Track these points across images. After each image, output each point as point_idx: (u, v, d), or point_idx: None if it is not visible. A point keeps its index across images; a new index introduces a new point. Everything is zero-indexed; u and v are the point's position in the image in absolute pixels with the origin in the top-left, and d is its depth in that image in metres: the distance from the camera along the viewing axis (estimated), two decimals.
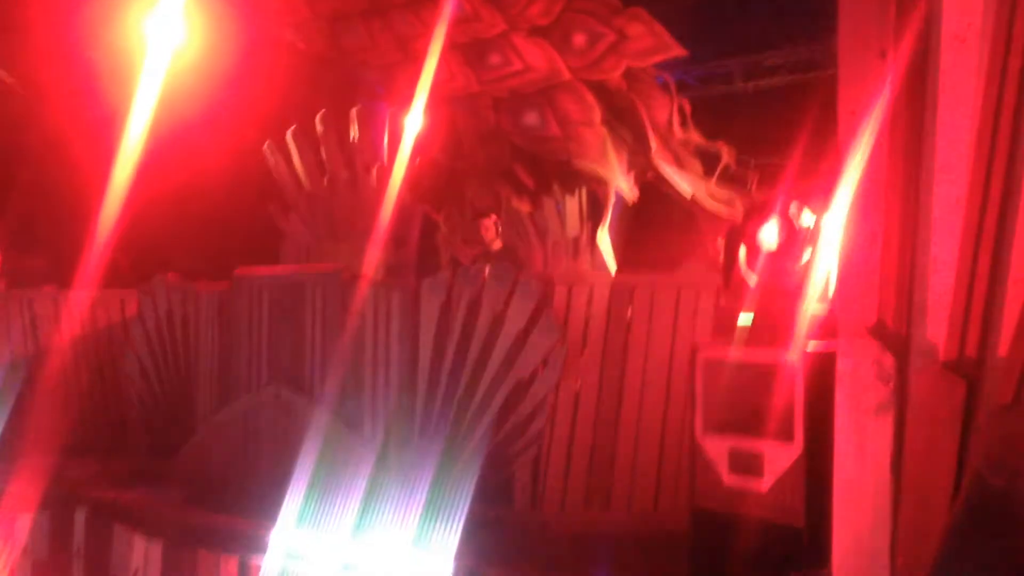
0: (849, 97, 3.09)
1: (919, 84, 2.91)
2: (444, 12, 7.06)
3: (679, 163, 7.48)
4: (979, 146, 2.81)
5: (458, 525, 5.32)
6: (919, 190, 2.88)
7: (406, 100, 7.68)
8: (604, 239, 8.23)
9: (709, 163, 7.56)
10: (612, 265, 8.31)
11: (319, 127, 9.34)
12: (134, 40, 7.72)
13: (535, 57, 7.35)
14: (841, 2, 3.09)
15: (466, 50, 7.40)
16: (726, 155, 7.42)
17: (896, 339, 3.06)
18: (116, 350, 7.70)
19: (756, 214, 4.34)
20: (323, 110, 9.29)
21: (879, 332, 3.13)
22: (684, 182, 7.52)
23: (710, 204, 7.52)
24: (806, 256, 4.20)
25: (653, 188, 7.93)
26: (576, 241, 9.25)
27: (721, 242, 6.98)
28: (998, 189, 2.78)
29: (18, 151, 8.79)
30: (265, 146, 9.38)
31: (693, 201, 7.66)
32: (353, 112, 9.28)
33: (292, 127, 9.32)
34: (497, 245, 7.68)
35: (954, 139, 2.83)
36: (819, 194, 4.65)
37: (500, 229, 7.71)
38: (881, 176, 3.07)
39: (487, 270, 5.85)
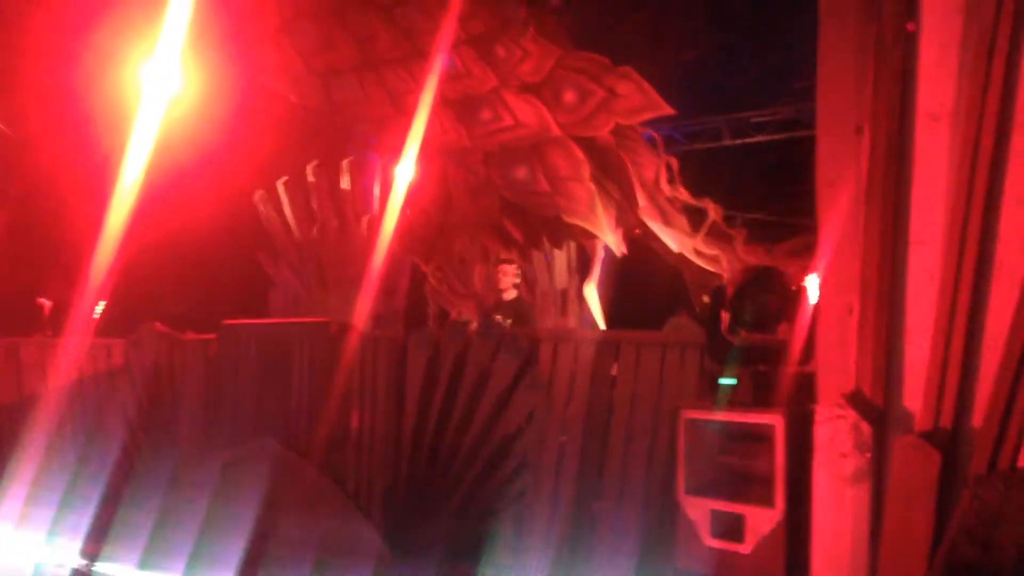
0: (827, 170, 3.17)
1: (894, 159, 2.98)
2: (436, 68, 7.17)
3: (666, 220, 7.55)
4: (952, 221, 2.88)
5: None
6: (894, 262, 2.94)
7: (397, 152, 7.77)
8: (592, 293, 8.28)
9: (696, 220, 7.63)
10: (599, 319, 8.35)
11: (310, 177, 9.41)
12: (129, 88, 7.83)
13: (525, 113, 7.45)
14: (819, 79, 3.17)
15: (457, 105, 7.50)
16: (713, 212, 7.49)
17: (873, 408, 3.10)
18: (102, 399, 7.66)
19: (739, 278, 4.40)
20: (315, 160, 9.37)
21: (856, 400, 3.17)
22: (671, 238, 7.59)
23: (697, 260, 7.58)
24: (787, 320, 4.25)
25: (641, 243, 8.00)
26: (564, 293, 9.31)
27: (706, 301, 7.05)
28: (971, 263, 2.85)
29: (7, 197, 8.83)
30: (256, 195, 9.44)
31: (680, 257, 7.73)
32: (344, 163, 9.37)
33: (283, 177, 9.39)
34: (511, 295, 7.71)
35: (928, 213, 2.90)
36: (799, 258, 4.71)
37: (517, 281, 7.73)
38: (857, 247, 3.13)
39: (474, 326, 5.89)
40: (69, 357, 7.75)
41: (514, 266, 7.71)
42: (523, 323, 7.39)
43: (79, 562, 6.34)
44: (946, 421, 2.92)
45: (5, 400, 7.89)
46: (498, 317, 7.41)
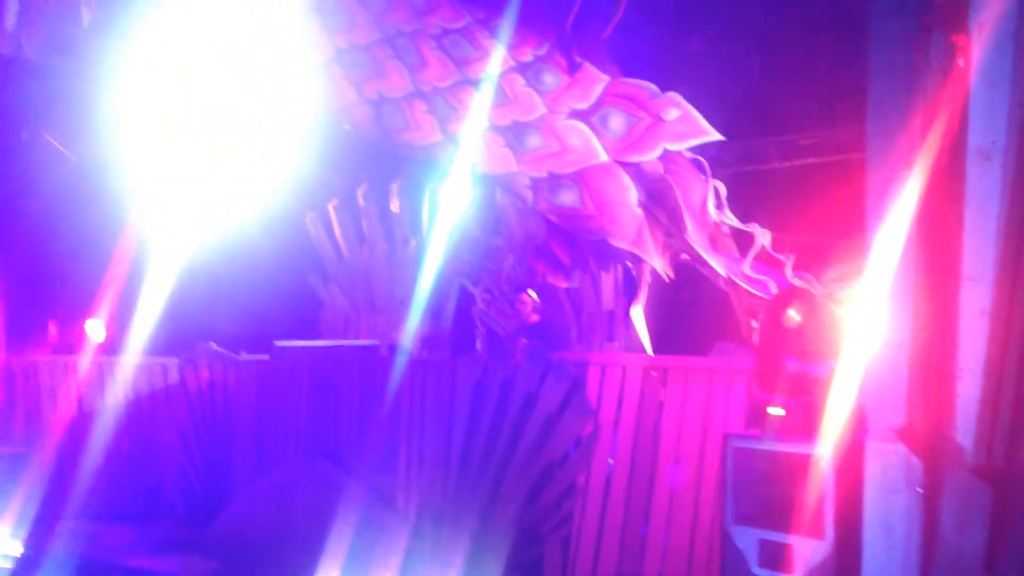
0: (877, 205, 3.18)
1: (945, 195, 3.00)
2: (484, 95, 7.26)
3: (714, 244, 7.55)
4: (1003, 257, 2.89)
5: None
6: (946, 299, 2.95)
7: (446, 177, 7.87)
8: (639, 316, 8.29)
9: (744, 244, 7.62)
10: (646, 342, 8.35)
11: (361, 200, 9.55)
12: (185, 113, 8.04)
13: (572, 139, 7.51)
14: (869, 116, 3.20)
15: (505, 132, 7.58)
16: (760, 237, 7.48)
17: (924, 443, 3.11)
18: (157, 417, 7.83)
19: (789, 305, 4.41)
20: (365, 184, 9.51)
21: (907, 435, 3.18)
22: (718, 263, 7.58)
23: (744, 285, 7.56)
24: (838, 350, 4.25)
25: (688, 267, 8.00)
26: (611, 315, 9.32)
27: (756, 326, 7.04)
28: (1022, 299, 2.85)
29: (70, 222, 9.08)
30: (308, 218, 9.60)
31: (728, 281, 7.71)
32: (394, 187, 9.49)
33: (334, 200, 9.54)
34: (534, 319, 7.79)
35: (980, 250, 2.91)
36: (852, 285, 4.70)
37: (537, 304, 7.82)
38: (909, 283, 3.14)
39: (521, 350, 5.94)
40: (126, 375, 7.94)
41: (531, 295, 7.80)
42: (551, 343, 7.43)
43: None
44: (998, 457, 2.92)
45: (62, 415, 8.10)
46: (523, 340, 7.47)
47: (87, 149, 9.06)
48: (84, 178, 8.98)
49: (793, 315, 4.54)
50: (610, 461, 5.69)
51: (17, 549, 6.60)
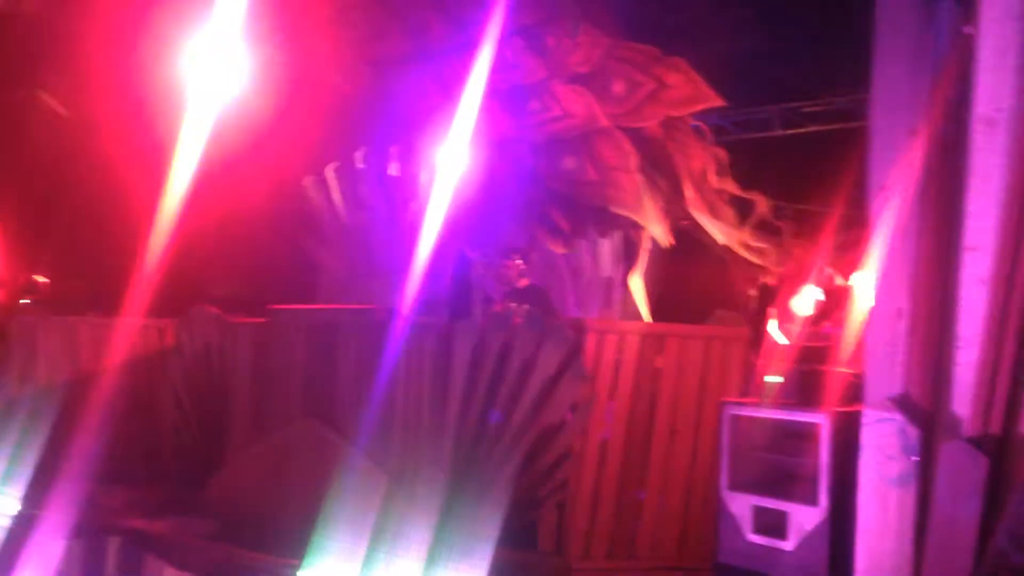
0: (879, 173, 3.15)
1: (948, 163, 2.96)
2: (485, 58, 7.19)
3: (713, 211, 7.53)
4: (1006, 226, 2.86)
5: (483, 568, 5.36)
6: (946, 267, 2.93)
7: (446, 140, 7.82)
8: (637, 283, 8.28)
9: (744, 212, 7.60)
10: (644, 309, 8.35)
11: (359, 163, 9.49)
12: (184, 76, 7.95)
13: (574, 104, 7.46)
14: (873, 81, 3.15)
15: (506, 95, 7.52)
16: (761, 205, 7.46)
17: (921, 412, 3.09)
18: (153, 379, 7.82)
19: (788, 279, 4.40)
20: (363, 147, 9.45)
21: (904, 404, 3.16)
22: (718, 230, 7.57)
23: (743, 253, 7.55)
24: (836, 318, 4.24)
25: (687, 234, 7.98)
26: (609, 282, 9.31)
27: (753, 293, 7.03)
28: None
29: (66, 180, 9.02)
30: (305, 181, 9.55)
31: (726, 249, 7.70)
32: (393, 150, 9.43)
33: (332, 163, 9.48)
34: (523, 283, 7.75)
35: (982, 219, 2.88)
36: (851, 255, 4.68)
37: (524, 269, 7.78)
38: (909, 251, 3.12)
39: (519, 314, 5.90)
40: (122, 337, 7.92)
41: (518, 260, 7.74)
42: (541, 307, 7.40)
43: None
44: (995, 427, 2.91)
45: (60, 377, 8.08)
46: (512, 305, 7.44)
47: (83, 106, 8.99)
48: (80, 136, 8.91)
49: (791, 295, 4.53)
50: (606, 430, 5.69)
51: (13, 511, 6.61)
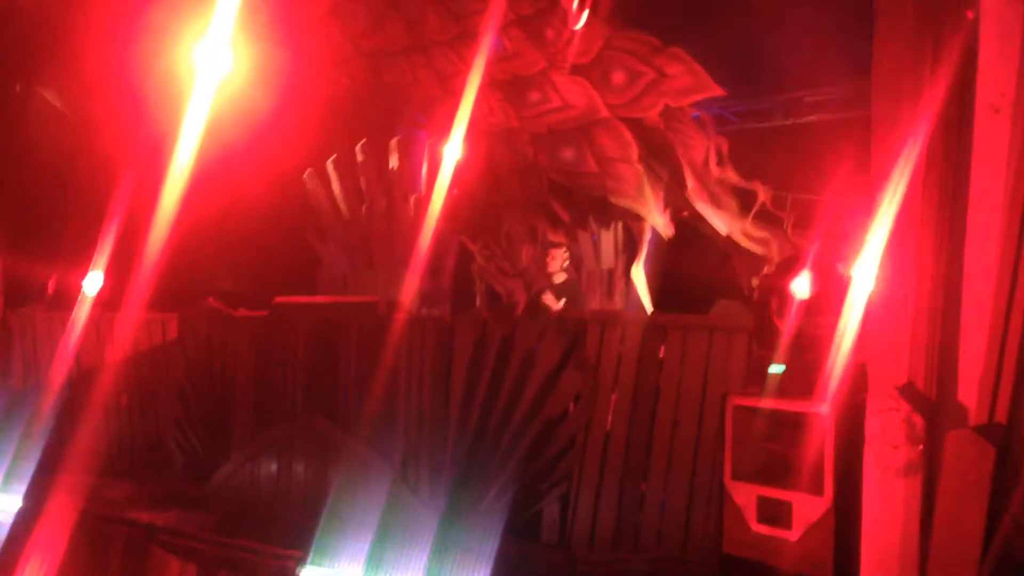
0: (882, 162, 3.13)
1: (952, 151, 2.94)
2: (484, 50, 7.16)
3: (715, 202, 7.49)
4: (1010, 214, 2.84)
5: (486, 559, 5.36)
6: (950, 256, 2.91)
7: (445, 132, 7.79)
8: (639, 274, 8.26)
9: (745, 202, 7.56)
10: (646, 300, 8.33)
11: (359, 156, 9.47)
12: (182, 69, 7.91)
13: (574, 94, 7.42)
14: (875, 68, 3.13)
15: (506, 87, 7.49)
16: (762, 194, 7.42)
17: (926, 401, 3.08)
18: (156, 373, 7.82)
19: (789, 266, 4.37)
20: (363, 140, 9.43)
21: (909, 393, 3.15)
22: (720, 221, 7.53)
23: (745, 243, 7.52)
24: (839, 308, 4.21)
25: (689, 225, 7.95)
26: (611, 273, 9.30)
27: (756, 283, 7.01)
28: None
29: (66, 176, 9.01)
30: (306, 174, 9.53)
31: (728, 239, 7.67)
32: (393, 142, 9.41)
33: (332, 156, 9.47)
34: (560, 278, 7.78)
35: (986, 207, 2.86)
36: (854, 243, 4.65)
37: (567, 260, 7.83)
38: (912, 240, 3.10)
39: (521, 308, 5.91)
40: (125, 331, 7.92)
41: (563, 250, 7.75)
42: (574, 304, 7.42)
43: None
44: (1001, 416, 2.90)
45: (60, 371, 8.08)
46: (548, 299, 7.46)
47: (83, 102, 8.97)
48: (81, 132, 8.89)
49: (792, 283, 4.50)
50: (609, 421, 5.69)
51: (15, 504, 6.63)
